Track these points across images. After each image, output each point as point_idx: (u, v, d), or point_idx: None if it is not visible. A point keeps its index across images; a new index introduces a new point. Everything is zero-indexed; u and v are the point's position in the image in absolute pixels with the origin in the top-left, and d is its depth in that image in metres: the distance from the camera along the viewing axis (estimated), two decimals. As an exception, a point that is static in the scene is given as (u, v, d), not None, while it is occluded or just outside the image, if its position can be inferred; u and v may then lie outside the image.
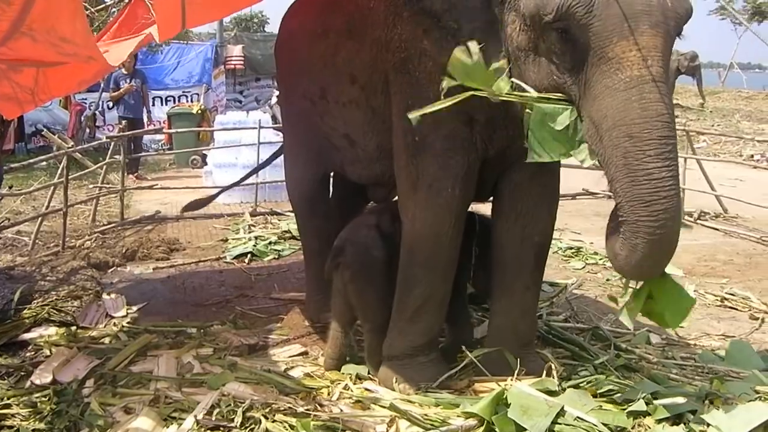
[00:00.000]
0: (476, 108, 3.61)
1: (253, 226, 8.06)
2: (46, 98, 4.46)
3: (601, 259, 6.74)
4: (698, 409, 3.47)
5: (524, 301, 4.07)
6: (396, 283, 3.98)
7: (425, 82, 3.67)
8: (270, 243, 7.24)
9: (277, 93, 16.94)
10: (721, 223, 8.55)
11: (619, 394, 3.66)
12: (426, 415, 3.43)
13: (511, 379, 3.68)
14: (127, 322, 4.98)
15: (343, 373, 4.13)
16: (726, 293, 5.84)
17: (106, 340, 4.64)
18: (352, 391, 3.90)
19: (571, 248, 7.11)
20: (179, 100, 14.44)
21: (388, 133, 4.09)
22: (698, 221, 8.54)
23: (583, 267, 6.64)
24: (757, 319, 5.33)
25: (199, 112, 12.74)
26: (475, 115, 3.67)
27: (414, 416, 3.37)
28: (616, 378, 3.87)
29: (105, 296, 5.49)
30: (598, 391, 3.70)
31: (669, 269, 6.32)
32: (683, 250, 7.14)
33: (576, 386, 3.76)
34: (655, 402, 3.51)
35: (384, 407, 3.58)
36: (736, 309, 5.57)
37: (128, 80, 11.23)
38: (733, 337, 4.90)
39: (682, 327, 5.05)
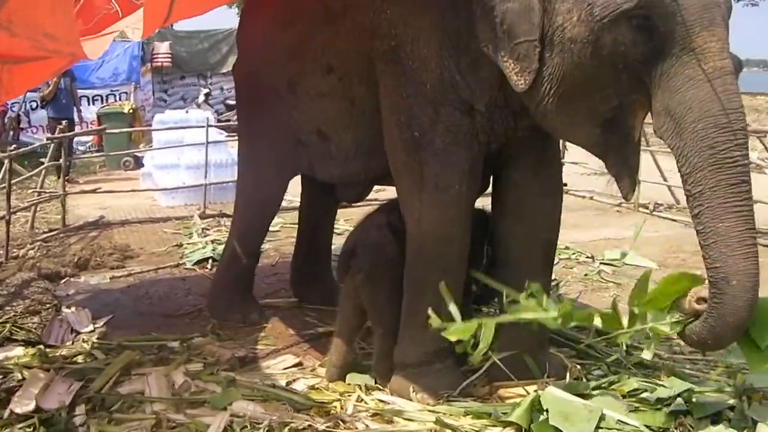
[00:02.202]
0: (475, 96, 3.42)
1: (207, 229, 7.66)
2: (7, 98, 4.01)
3: (573, 254, 6.62)
4: (737, 406, 3.33)
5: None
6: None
7: (420, 71, 3.47)
8: (229, 247, 6.84)
9: (205, 91, 16.54)
10: (677, 213, 8.54)
11: (647, 393, 3.50)
12: (462, 426, 3.20)
13: (542, 383, 3.51)
14: (97, 338, 4.57)
15: (349, 384, 3.85)
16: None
17: (80, 358, 4.23)
18: (366, 403, 3.63)
19: (540, 244, 6.94)
20: (107, 99, 13.84)
21: (368, 126, 3.86)
22: (654, 213, 8.56)
23: (557, 263, 6.47)
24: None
25: (131, 111, 12.21)
26: (475, 103, 3.47)
27: (457, 428, 3.12)
28: (638, 377, 3.72)
29: (66, 310, 5.06)
30: (627, 392, 3.53)
31: (643, 262, 6.28)
32: (648, 242, 7.14)
33: (598, 387, 3.60)
34: (693, 400, 3.38)
35: (410, 420, 3.35)
36: (722, 299, 5.47)
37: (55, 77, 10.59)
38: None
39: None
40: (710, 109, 2.83)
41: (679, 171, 2.96)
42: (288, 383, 3.85)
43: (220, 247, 6.60)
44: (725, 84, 2.84)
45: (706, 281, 2.87)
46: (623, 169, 3.22)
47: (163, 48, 15.77)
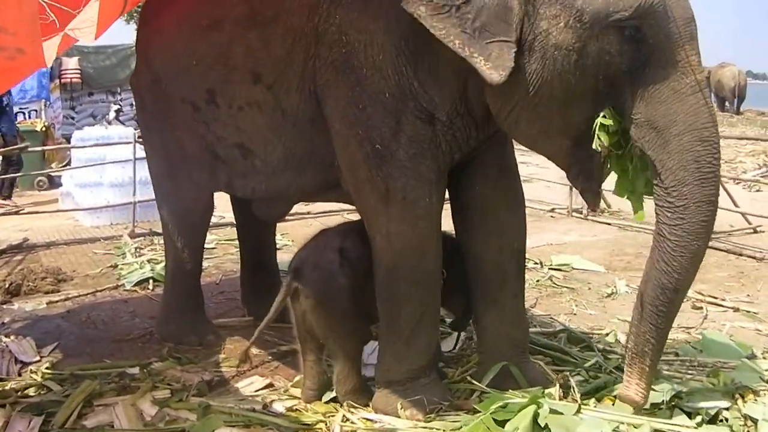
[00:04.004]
0: (435, 104, 3.31)
1: (140, 248, 7.31)
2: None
3: (523, 261, 6.58)
4: (731, 405, 3.34)
5: (515, 309, 3.82)
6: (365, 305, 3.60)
7: (376, 79, 3.29)
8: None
9: (115, 108, 15.97)
10: (609, 217, 8.65)
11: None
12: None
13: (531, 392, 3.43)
14: (47, 368, 4.25)
15: (327, 403, 3.68)
16: (659, 285, 5.79)
17: (32, 391, 3.93)
18: (353, 422, 3.47)
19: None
20: (16, 118, 13.19)
21: (299, 139, 3.67)
22: (588, 217, 8.64)
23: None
24: (700, 308, 5.33)
25: (44, 129, 11.69)
26: (436, 112, 3.33)
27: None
28: (620, 381, 3.67)
29: (5, 339, 4.73)
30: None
31: (591, 266, 6.31)
32: (590, 246, 7.21)
33: (586, 394, 3.55)
34: (687, 403, 3.35)
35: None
36: (676, 300, 5.53)
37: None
38: (691, 328, 4.86)
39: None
40: (695, 122, 2.87)
41: (659, 183, 2.96)
42: (265, 406, 3.66)
43: (158, 267, 6.34)
44: (705, 97, 2.90)
45: None
46: (588, 182, 3.22)
47: (71, 63, 15.20)
